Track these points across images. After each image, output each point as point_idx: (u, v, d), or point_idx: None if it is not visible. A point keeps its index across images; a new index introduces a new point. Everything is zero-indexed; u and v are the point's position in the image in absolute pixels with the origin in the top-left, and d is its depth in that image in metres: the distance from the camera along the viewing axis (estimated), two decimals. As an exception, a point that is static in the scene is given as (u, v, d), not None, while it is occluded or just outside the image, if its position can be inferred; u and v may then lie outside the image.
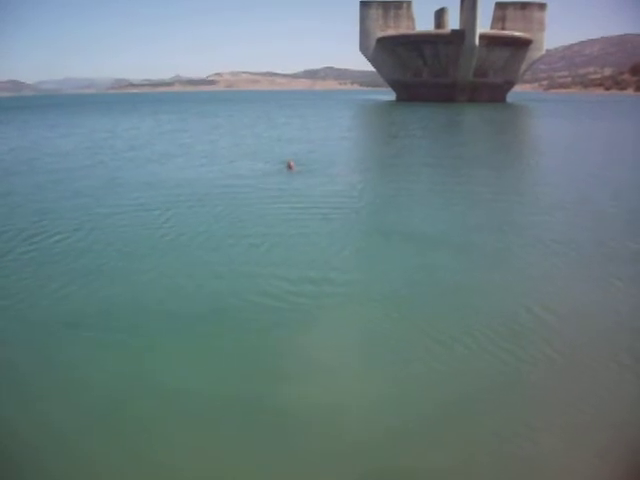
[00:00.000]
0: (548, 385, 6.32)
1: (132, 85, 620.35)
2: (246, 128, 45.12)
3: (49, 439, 5.38)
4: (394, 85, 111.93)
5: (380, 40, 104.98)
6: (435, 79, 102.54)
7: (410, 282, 9.37)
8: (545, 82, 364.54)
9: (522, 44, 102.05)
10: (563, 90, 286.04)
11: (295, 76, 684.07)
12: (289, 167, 21.28)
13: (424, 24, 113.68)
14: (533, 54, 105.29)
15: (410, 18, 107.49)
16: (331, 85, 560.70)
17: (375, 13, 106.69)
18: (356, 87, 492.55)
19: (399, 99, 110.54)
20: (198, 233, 12.28)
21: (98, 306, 8.37)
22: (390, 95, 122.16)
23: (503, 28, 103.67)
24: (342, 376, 6.53)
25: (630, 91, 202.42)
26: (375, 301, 8.53)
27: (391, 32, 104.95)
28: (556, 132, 44.09)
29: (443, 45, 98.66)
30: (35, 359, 6.94)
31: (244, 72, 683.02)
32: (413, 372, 6.56)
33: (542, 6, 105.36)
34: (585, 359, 6.84)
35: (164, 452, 5.18)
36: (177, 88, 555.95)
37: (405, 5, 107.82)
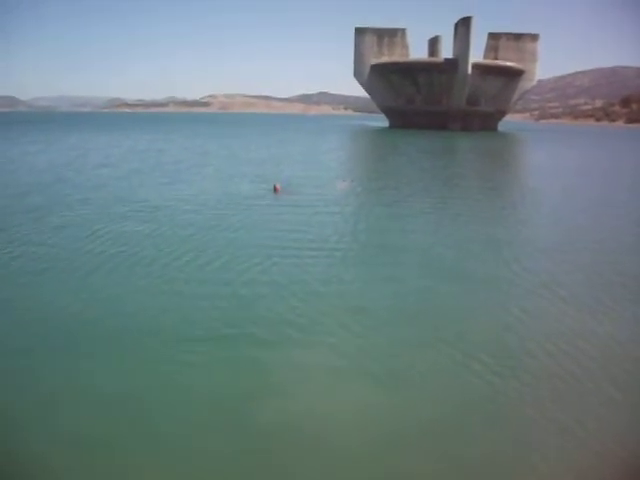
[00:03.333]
0: (541, 403, 6.37)
1: (126, 105, 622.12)
2: (230, 149, 44.55)
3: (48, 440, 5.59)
4: (387, 112, 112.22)
5: (374, 67, 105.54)
6: (428, 107, 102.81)
7: (400, 304, 9.30)
8: (536, 112, 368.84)
9: (514, 74, 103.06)
10: (554, 120, 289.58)
11: (290, 100, 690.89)
12: (275, 190, 21.29)
13: (418, 52, 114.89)
14: (525, 84, 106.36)
15: (404, 46, 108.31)
16: (325, 110, 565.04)
17: (370, 40, 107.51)
18: (350, 112, 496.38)
19: (392, 126, 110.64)
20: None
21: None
22: (383, 121, 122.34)
23: (496, 58, 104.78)
24: (333, 394, 6.51)
25: (620, 123, 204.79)
26: (367, 322, 8.46)
27: (385, 59, 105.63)
28: (546, 161, 43.64)
29: (436, 73, 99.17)
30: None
31: (239, 94, 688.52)
32: (404, 390, 6.55)
33: (535, 37, 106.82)
34: (576, 379, 6.86)
35: (160, 458, 5.33)
36: (171, 109, 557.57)
37: (400, 33, 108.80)
